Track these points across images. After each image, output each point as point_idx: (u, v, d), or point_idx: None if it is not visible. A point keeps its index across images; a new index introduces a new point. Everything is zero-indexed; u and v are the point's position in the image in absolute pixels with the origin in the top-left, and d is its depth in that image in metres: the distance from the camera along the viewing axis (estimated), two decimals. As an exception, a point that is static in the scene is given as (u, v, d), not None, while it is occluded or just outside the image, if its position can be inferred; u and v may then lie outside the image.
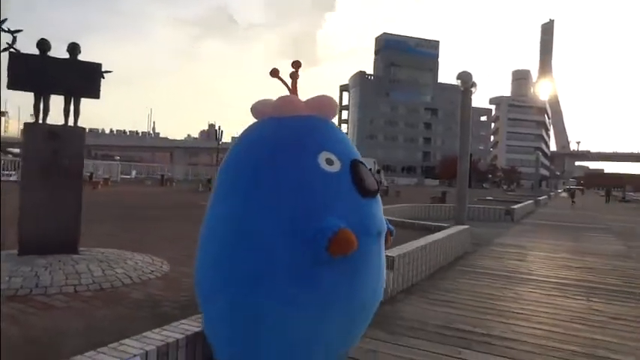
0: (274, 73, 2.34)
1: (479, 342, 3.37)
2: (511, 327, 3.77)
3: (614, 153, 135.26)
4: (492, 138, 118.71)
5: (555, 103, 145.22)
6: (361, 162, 2.20)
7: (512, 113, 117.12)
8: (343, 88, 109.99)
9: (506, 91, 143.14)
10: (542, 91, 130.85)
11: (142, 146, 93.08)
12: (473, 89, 12.38)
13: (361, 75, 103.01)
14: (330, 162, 2.06)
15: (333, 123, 2.35)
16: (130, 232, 7.89)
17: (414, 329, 3.54)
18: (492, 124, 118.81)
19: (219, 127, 34.08)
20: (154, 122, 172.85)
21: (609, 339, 3.61)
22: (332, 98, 2.35)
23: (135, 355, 2.04)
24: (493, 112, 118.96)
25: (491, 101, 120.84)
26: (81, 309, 3.42)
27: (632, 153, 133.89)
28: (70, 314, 3.29)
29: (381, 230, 2.19)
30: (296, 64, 2.31)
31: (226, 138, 52.55)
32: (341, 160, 2.10)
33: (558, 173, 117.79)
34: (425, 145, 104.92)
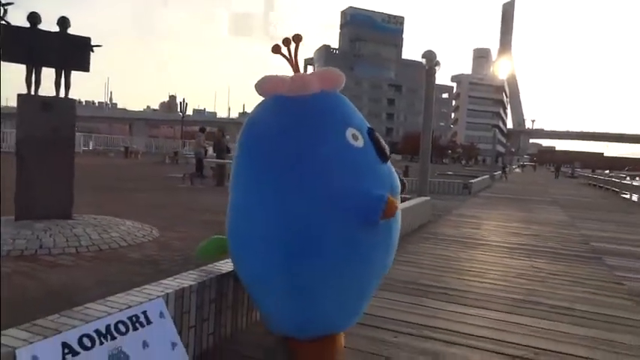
0: (276, 49, 2.34)
1: (438, 293, 3.97)
2: (465, 282, 4.40)
3: (565, 131, 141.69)
4: (453, 115, 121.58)
5: (513, 82, 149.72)
6: (373, 129, 2.38)
7: (472, 91, 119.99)
8: (308, 62, 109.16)
9: (467, 69, 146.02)
10: (501, 70, 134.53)
11: (101, 117, 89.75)
12: (436, 68, 12.97)
13: (326, 49, 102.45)
14: (355, 137, 2.20)
15: (343, 95, 2.39)
16: (113, 203, 8.08)
17: (384, 285, 4.08)
18: (453, 102, 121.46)
19: (184, 99, 33.43)
20: (111, 92, 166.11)
21: (546, 290, 4.30)
22: (339, 71, 2.35)
23: (158, 296, 2.44)
24: (454, 90, 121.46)
25: (453, 79, 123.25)
26: (89, 267, 3.76)
27: (581, 132, 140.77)
28: (81, 271, 3.62)
29: (399, 185, 2.44)
30: (297, 39, 2.32)
31: (189, 110, 51.60)
32: (361, 132, 2.24)
33: (514, 150, 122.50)
34: (388, 121, 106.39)
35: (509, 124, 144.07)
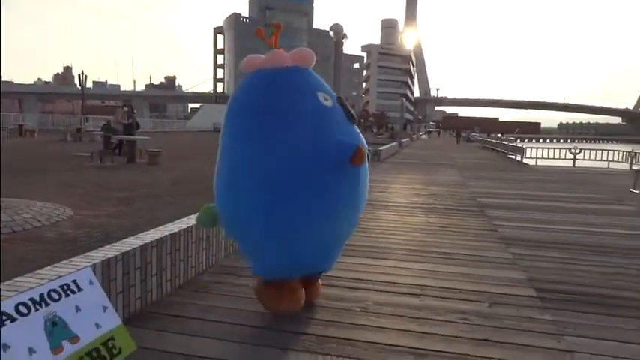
0: (259, 33, 2.75)
1: (346, 250, 4.46)
2: (369, 237, 4.98)
3: (465, 99, 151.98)
4: (365, 85, 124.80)
5: (419, 53, 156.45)
6: (340, 97, 2.78)
7: (381, 61, 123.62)
8: (217, 31, 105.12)
9: (376, 39, 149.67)
10: (408, 40, 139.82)
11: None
12: (344, 40, 13.46)
13: (236, 17, 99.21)
14: (326, 99, 2.59)
15: (312, 71, 2.75)
16: (20, 185, 7.60)
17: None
18: (364, 71, 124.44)
19: (82, 71, 30.88)
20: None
21: (436, 240, 5.01)
22: (310, 50, 2.74)
23: (86, 267, 2.63)
24: (365, 60, 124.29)
25: (363, 49, 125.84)
26: (6, 247, 3.72)
27: (479, 99, 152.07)
28: (-3, 253, 3.59)
29: (367, 147, 2.81)
30: (277, 27, 2.78)
31: (88, 83, 47.81)
32: (331, 97, 2.64)
33: (421, 117, 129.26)
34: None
35: (417, 93, 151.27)
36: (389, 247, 4.63)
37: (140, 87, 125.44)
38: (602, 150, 19.16)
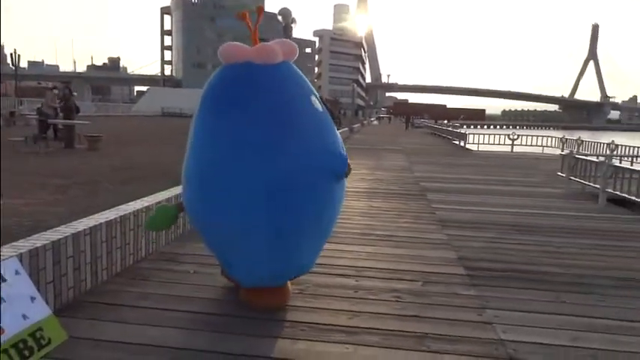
0: (242, 16, 2.53)
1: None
2: (314, 222, 5.07)
3: (415, 85, 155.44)
4: (317, 70, 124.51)
5: (370, 39, 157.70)
6: (321, 96, 2.74)
7: (333, 46, 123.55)
8: (165, 11, 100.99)
9: (328, 24, 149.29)
10: (359, 26, 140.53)
11: None
12: (293, 25, 13.36)
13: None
14: (316, 102, 2.54)
15: (296, 67, 2.64)
16: None
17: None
18: (316, 57, 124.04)
19: (15, 50, 28.80)
20: None
21: (378, 223, 5.18)
22: (294, 44, 2.61)
23: (11, 256, 2.54)
24: (317, 44, 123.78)
25: (315, 33, 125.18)
26: None
27: (429, 85, 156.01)
28: None
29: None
30: (259, 10, 2.60)
31: (22, 62, 44.83)
32: (318, 99, 2.59)
33: (372, 103, 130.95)
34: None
35: (368, 79, 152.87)
36: (333, 231, 4.73)
37: (81, 68, 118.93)
38: (538, 136, 20.27)
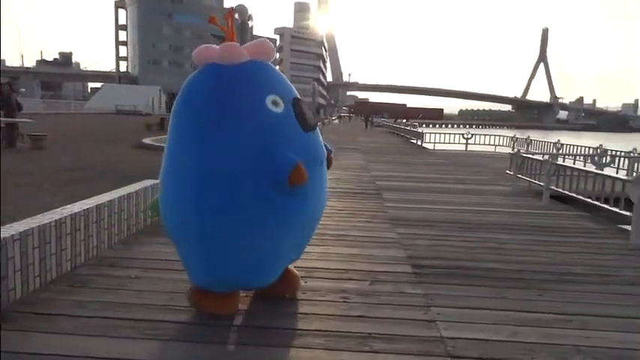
0: (212, 20, 2.52)
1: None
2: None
3: (376, 84, 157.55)
4: (277, 68, 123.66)
5: (332, 38, 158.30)
6: (300, 99, 2.56)
7: (294, 45, 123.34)
8: (119, 5, 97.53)
9: (289, 22, 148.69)
10: (320, 24, 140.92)
11: None
12: (250, 22, 13.20)
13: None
14: (275, 104, 2.39)
15: (272, 66, 2.59)
16: None
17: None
18: (277, 55, 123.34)
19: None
20: None
21: (332, 223, 5.17)
22: (270, 43, 2.55)
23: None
24: (277, 43, 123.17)
25: (276, 31, 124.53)
26: None
27: (389, 85, 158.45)
28: None
29: (322, 158, 2.64)
30: (230, 13, 2.60)
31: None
32: (284, 100, 2.44)
33: (333, 102, 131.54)
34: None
35: (330, 78, 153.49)
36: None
37: (30, 63, 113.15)
38: (491, 135, 20.97)
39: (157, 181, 2.69)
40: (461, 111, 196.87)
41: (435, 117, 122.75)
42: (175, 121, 2.48)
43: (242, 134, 2.32)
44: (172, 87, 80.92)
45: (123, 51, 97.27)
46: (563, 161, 12.11)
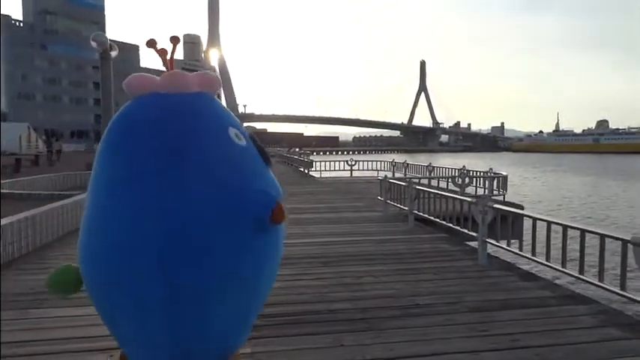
0: (151, 43, 2.15)
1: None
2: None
3: (272, 115, 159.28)
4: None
5: (224, 68, 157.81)
6: (253, 135, 2.25)
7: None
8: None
9: (179, 54, 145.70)
10: (211, 56, 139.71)
11: None
12: (113, 53, 12.30)
13: (6, 20, 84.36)
14: (238, 137, 2.08)
15: (217, 99, 2.28)
16: None
17: None
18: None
19: None
20: None
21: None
22: (216, 75, 2.30)
23: None
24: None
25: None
26: None
27: (286, 115, 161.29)
28: None
29: (282, 195, 2.26)
30: (174, 40, 2.16)
31: None
32: (242, 134, 2.14)
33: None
34: (97, 107, 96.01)
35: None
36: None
37: None
38: (374, 161, 21.80)
39: None
40: (354, 138, 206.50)
41: (331, 144, 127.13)
42: (110, 159, 2.03)
43: (210, 169, 1.96)
44: (48, 122, 74.38)
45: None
46: (438, 183, 12.83)
